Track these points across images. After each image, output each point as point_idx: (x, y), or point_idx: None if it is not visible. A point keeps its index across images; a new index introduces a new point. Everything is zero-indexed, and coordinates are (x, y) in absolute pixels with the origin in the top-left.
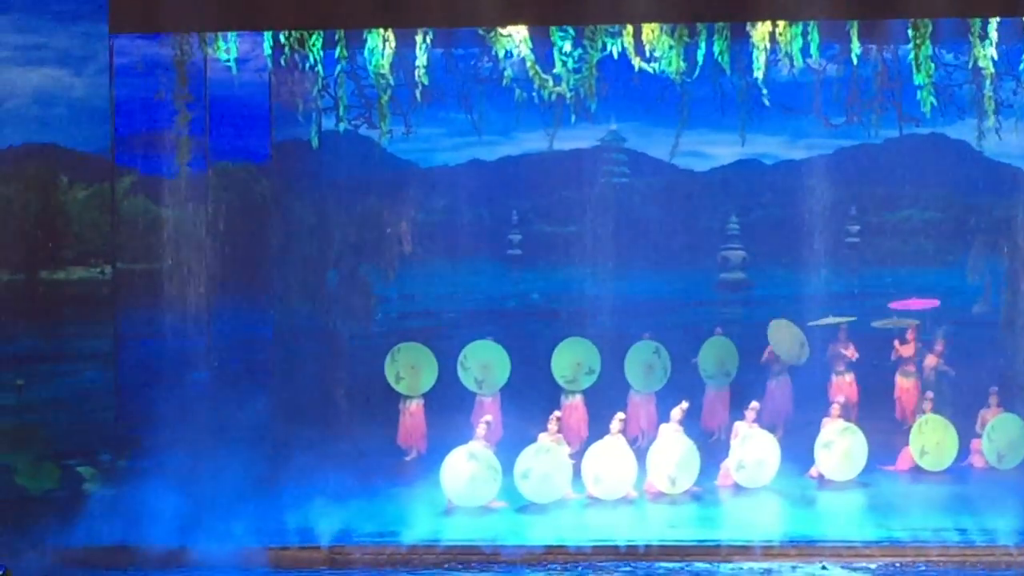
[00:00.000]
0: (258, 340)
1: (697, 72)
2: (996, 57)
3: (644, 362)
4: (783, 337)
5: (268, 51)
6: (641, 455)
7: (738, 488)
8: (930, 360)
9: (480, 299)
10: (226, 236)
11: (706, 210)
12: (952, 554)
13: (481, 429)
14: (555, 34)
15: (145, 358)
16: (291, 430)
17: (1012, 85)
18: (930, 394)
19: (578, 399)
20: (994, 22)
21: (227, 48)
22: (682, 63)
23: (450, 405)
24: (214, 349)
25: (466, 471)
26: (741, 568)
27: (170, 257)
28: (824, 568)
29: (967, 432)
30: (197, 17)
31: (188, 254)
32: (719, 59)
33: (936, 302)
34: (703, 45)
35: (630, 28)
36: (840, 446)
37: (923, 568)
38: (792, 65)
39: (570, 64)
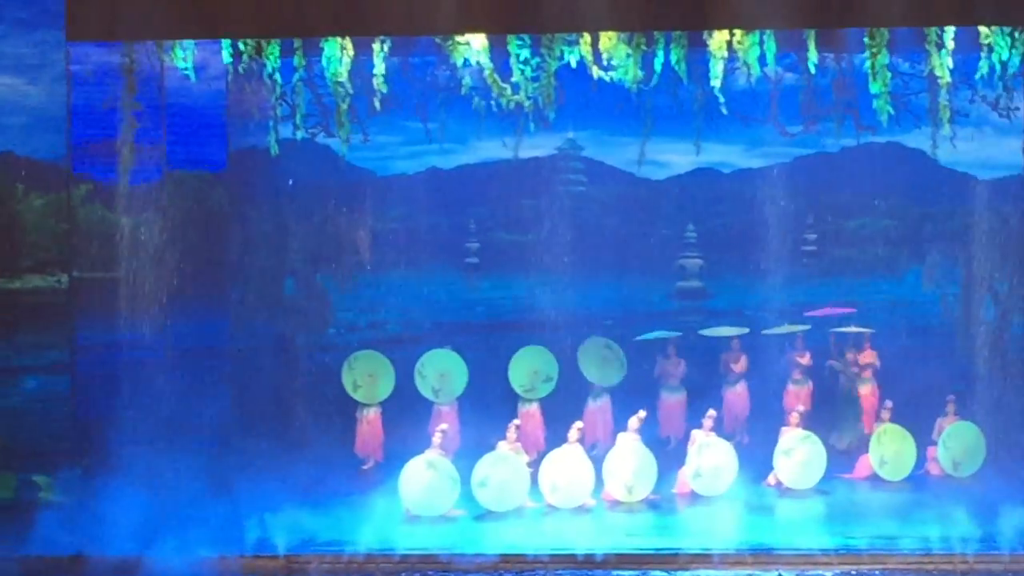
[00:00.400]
0: (215, 349)
1: (654, 81)
2: (952, 66)
3: (599, 356)
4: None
5: (226, 59)
6: (598, 463)
7: (695, 496)
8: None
9: (438, 308)
10: (183, 244)
11: (663, 219)
12: (909, 562)
13: (437, 438)
14: (513, 43)
15: (102, 367)
16: (248, 439)
17: (968, 94)
18: (889, 403)
19: (535, 407)
20: (950, 31)
21: (184, 56)
22: (639, 72)
23: (408, 414)
24: (171, 358)
25: (424, 480)
26: None
27: (127, 266)
28: None
29: (925, 440)
30: (154, 25)
31: (145, 263)
32: (676, 68)
33: (852, 309)
34: (660, 54)
35: (588, 37)
36: (799, 454)
37: (879, 575)
38: (749, 74)
39: (528, 73)
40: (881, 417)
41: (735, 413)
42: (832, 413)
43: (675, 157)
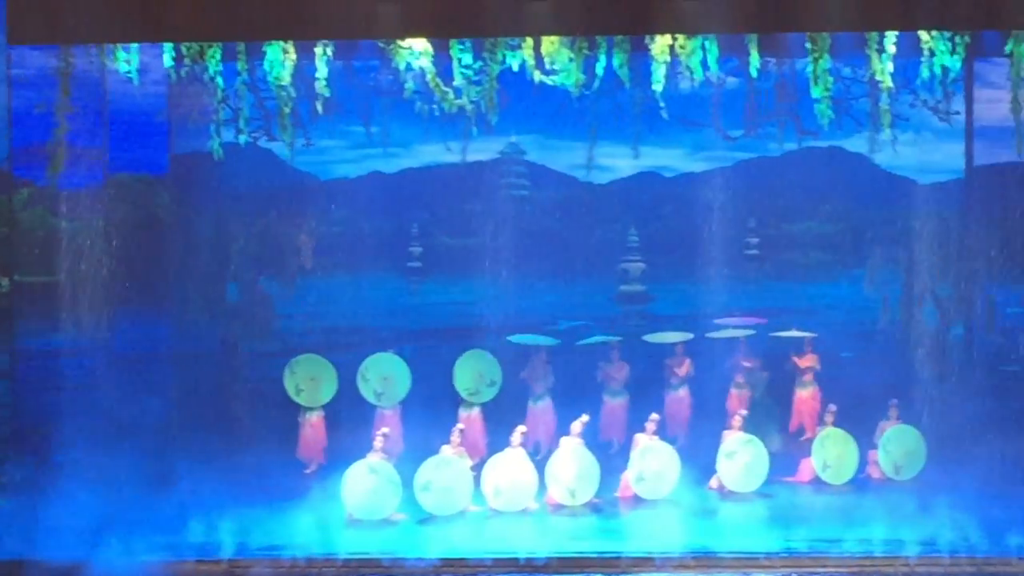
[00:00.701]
0: (158, 353)
1: (597, 85)
2: (893, 71)
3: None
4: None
5: (168, 63)
6: (541, 467)
7: (638, 500)
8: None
9: (381, 312)
10: (125, 249)
11: (606, 222)
12: (851, 565)
13: (379, 441)
14: (455, 47)
15: (43, 371)
16: (191, 443)
17: (909, 98)
18: (833, 407)
19: (476, 412)
20: (891, 36)
21: (127, 60)
22: (581, 76)
23: (350, 418)
24: (113, 362)
25: (365, 484)
26: None
27: (68, 270)
28: None
29: (868, 444)
30: (96, 28)
31: (87, 267)
32: (619, 72)
33: (764, 320)
34: (603, 58)
35: (530, 41)
36: (741, 457)
37: None
38: (691, 78)
39: (470, 77)
40: (825, 421)
41: (678, 417)
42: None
43: (617, 161)
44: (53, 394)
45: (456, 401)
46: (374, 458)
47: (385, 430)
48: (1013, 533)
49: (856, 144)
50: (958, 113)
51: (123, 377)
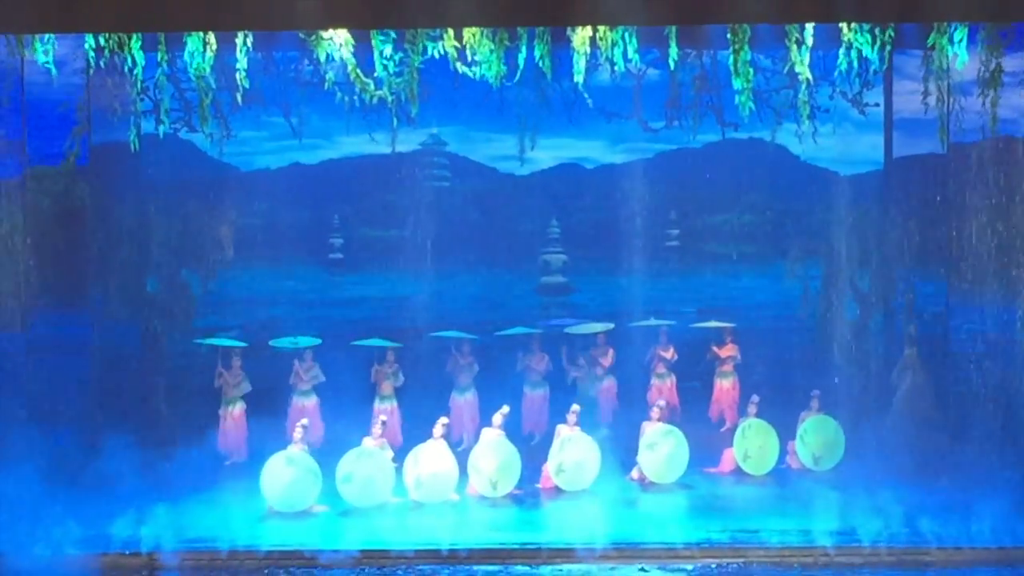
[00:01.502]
0: (77, 345)
1: (518, 76)
2: (812, 63)
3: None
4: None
5: (87, 54)
6: (463, 458)
7: (559, 491)
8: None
9: (301, 303)
10: (43, 240)
11: (527, 214)
12: (771, 555)
13: (298, 432)
14: (376, 38)
15: None
16: (111, 435)
17: (828, 90)
18: (756, 398)
19: (394, 403)
20: (810, 28)
21: (45, 51)
22: (503, 67)
23: (271, 409)
24: (31, 354)
25: (285, 476)
26: (561, 570)
27: None
28: (643, 570)
29: (789, 435)
30: (13, 18)
31: (4, 259)
32: (540, 63)
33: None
34: (524, 49)
35: (451, 32)
36: (662, 449)
37: (738, 567)
38: (612, 70)
39: (391, 68)
40: (747, 412)
41: (601, 407)
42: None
43: (538, 153)
44: None
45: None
46: (293, 449)
47: (304, 421)
48: (931, 522)
49: (776, 136)
50: (877, 105)
51: (41, 368)
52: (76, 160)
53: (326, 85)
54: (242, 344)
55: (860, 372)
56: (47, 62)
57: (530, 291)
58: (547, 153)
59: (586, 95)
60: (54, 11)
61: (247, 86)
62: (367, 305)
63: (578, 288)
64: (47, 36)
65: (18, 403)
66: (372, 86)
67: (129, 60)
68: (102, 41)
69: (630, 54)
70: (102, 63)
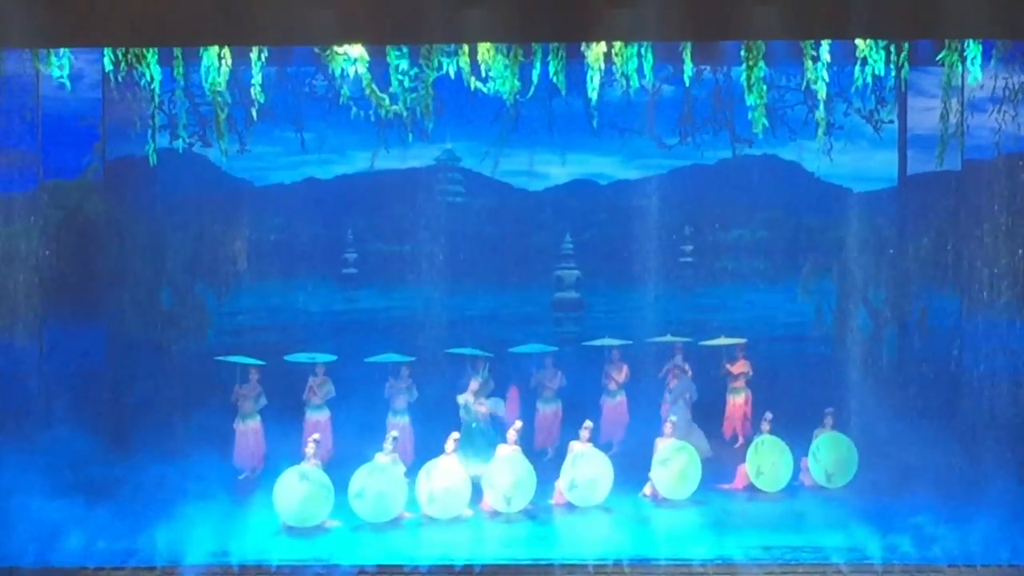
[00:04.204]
0: (91, 358)
1: (532, 92)
2: (827, 79)
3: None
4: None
5: (104, 68)
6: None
7: (571, 507)
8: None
9: (315, 317)
10: (59, 254)
11: (541, 229)
12: (784, 571)
13: (311, 448)
14: (391, 53)
15: None
16: (125, 448)
17: (843, 107)
18: (769, 415)
19: (407, 419)
20: (826, 44)
21: (60, 65)
22: (517, 83)
23: (284, 424)
24: (46, 367)
25: (298, 491)
26: None
27: (1, 275)
28: None
29: (802, 452)
30: (29, 33)
31: (20, 272)
32: (554, 79)
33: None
34: (538, 65)
35: (466, 48)
36: (675, 464)
37: None
38: (627, 86)
39: (406, 83)
40: (760, 428)
41: (614, 424)
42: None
43: (552, 168)
44: None
45: (387, 408)
46: (306, 465)
47: (316, 436)
48: (944, 540)
49: (791, 152)
50: (891, 122)
51: (56, 381)
52: (92, 174)
53: (341, 100)
54: (260, 363)
55: (873, 389)
56: (62, 77)
57: (544, 306)
58: (561, 169)
59: (599, 111)
60: (70, 26)
61: (262, 101)
62: (381, 320)
63: (591, 303)
64: (63, 51)
65: (32, 415)
66: (387, 101)
67: (146, 74)
68: (118, 55)
69: (644, 70)
70: (118, 77)
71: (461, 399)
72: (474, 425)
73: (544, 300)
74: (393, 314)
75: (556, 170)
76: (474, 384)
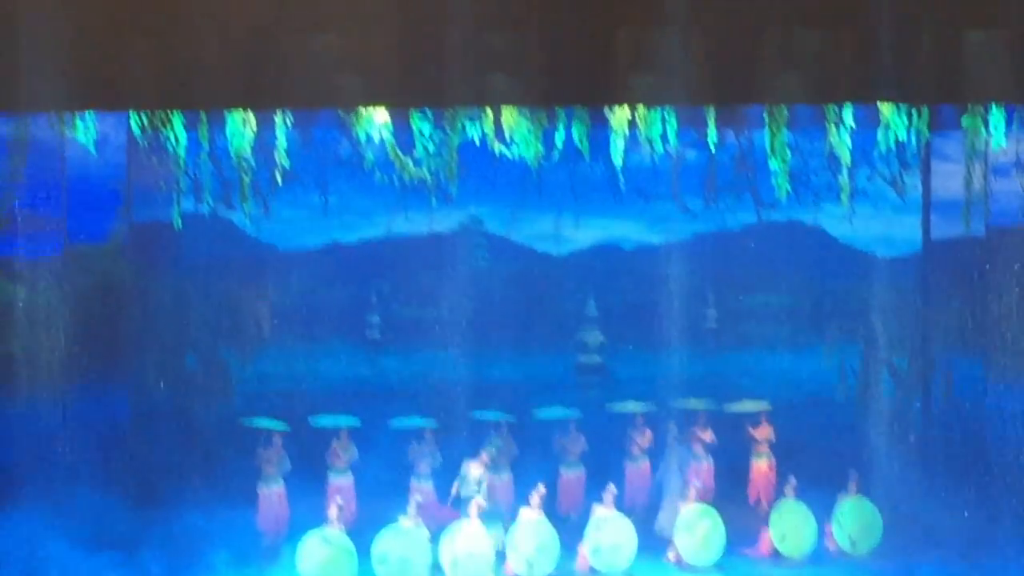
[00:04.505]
0: (115, 421)
1: (556, 156)
2: (851, 144)
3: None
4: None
5: (128, 132)
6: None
7: (595, 572)
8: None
9: (339, 381)
10: (83, 318)
11: (564, 294)
12: None
13: (334, 511)
14: (415, 117)
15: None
16: (148, 512)
17: (867, 172)
18: (792, 480)
19: (430, 483)
20: (849, 109)
21: (85, 128)
22: (541, 147)
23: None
24: (70, 430)
25: (320, 555)
26: None
27: (25, 339)
28: None
29: (826, 517)
30: (56, 97)
31: (45, 335)
32: (578, 144)
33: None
34: (562, 129)
35: (490, 112)
36: (699, 530)
37: None
38: (651, 150)
39: (430, 148)
40: (784, 493)
41: (638, 489)
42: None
43: (576, 233)
44: (9, 464)
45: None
46: (329, 529)
47: (340, 500)
48: None
49: (814, 217)
50: (915, 187)
51: (79, 446)
52: (117, 238)
53: (365, 164)
54: (284, 427)
55: (898, 454)
56: (87, 140)
57: (568, 371)
58: (585, 233)
59: (623, 176)
60: (96, 90)
61: (286, 165)
62: (404, 384)
63: (615, 368)
64: (88, 114)
65: (56, 479)
66: (411, 165)
67: (171, 138)
68: (142, 119)
69: (668, 135)
70: (142, 141)
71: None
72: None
73: (567, 364)
74: (417, 378)
75: (580, 234)
76: (484, 456)
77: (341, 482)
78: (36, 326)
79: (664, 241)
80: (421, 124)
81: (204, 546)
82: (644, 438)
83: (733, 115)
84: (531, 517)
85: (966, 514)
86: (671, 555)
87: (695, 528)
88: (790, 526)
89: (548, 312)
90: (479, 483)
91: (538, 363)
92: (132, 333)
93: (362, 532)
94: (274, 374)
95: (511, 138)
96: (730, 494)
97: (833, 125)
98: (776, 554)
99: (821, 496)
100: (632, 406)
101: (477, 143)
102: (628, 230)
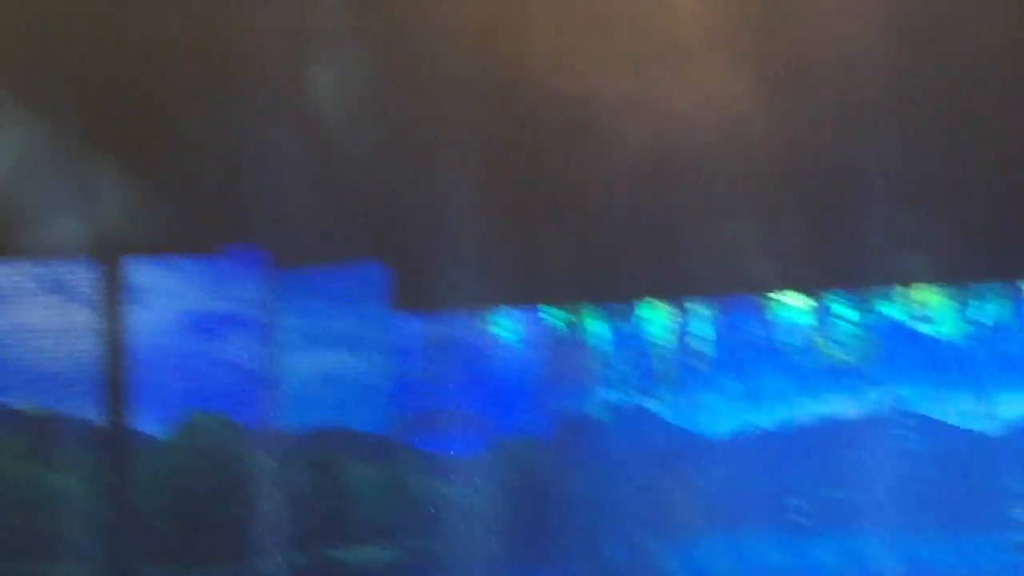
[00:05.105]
0: None
1: (976, 332)
2: None
3: None
4: None
5: (548, 326)
6: None
7: None
8: None
9: (764, 570)
10: (504, 514)
11: (1000, 474)
12: None
13: None
14: (831, 299)
15: None
16: None
17: None
18: None
19: None
20: None
21: (506, 325)
22: (960, 324)
23: None
24: None
25: None
26: None
27: (450, 535)
28: None
29: None
30: (477, 295)
31: (469, 531)
32: (1001, 319)
33: None
34: (981, 305)
35: (905, 290)
36: None
37: None
38: None
39: (848, 329)
40: None
41: None
42: None
43: (1008, 408)
44: None
45: None
46: None
47: None
48: None
49: None
50: None
51: None
52: (541, 432)
53: (782, 347)
54: None
55: None
56: (509, 337)
57: (998, 553)
58: (1015, 409)
59: None
60: (513, 286)
61: (706, 351)
62: (829, 571)
63: None
64: (507, 310)
65: None
66: (831, 348)
67: (590, 330)
68: (562, 313)
69: None
70: (562, 335)
71: None
72: None
73: (1001, 546)
74: (851, 565)
75: (1012, 410)
76: None
77: None
78: (460, 521)
79: None
80: (837, 306)
81: None
82: None
83: None
84: None
85: None
86: None
87: None
88: None
89: (982, 493)
90: None
91: (972, 546)
92: (558, 525)
93: None
94: (701, 563)
95: (926, 314)
96: None
97: None
98: None
99: None
100: None
101: (894, 322)
102: None
